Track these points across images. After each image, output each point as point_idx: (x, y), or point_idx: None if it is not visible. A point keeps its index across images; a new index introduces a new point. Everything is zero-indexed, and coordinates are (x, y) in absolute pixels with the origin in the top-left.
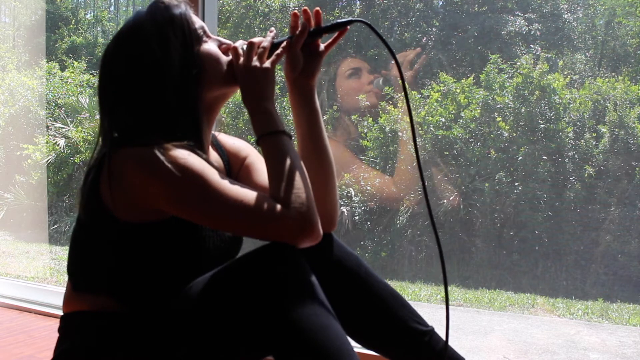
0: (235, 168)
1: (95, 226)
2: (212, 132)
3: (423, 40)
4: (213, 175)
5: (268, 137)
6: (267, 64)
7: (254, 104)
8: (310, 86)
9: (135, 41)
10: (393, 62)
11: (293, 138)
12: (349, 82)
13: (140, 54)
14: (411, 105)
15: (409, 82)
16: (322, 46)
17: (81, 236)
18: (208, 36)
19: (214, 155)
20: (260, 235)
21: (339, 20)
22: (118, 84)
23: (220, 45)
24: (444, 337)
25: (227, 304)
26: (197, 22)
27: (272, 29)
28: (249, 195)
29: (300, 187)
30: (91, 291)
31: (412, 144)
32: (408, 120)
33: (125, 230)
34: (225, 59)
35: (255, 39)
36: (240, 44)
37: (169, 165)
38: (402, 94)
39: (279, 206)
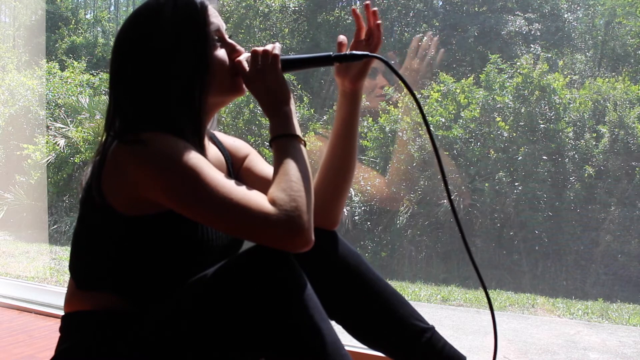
0: (236, 166)
1: (96, 221)
2: (211, 130)
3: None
4: (209, 171)
5: (279, 139)
6: (271, 66)
7: (269, 108)
8: (355, 89)
9: (151, 22)
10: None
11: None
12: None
13: (151, 36)
14: (411, 106)
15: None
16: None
17: (82, 233)
18: (223, 39)
19: (215, 152)
20: (248, 236)
21: (354, 52)
22: (125, 64)
23: (233, 51)
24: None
25: (220, 305)
26: (215, 22)
27: (277, 43)
28: (241, 194)
29: (299, 190)
30: (94, 288)
31: (412, 143)
32: (408, 120)
33: (125, 223)
34: (231, 68)
35: (259, 48)
36: (245, 57)
37: (166, 159)
38: (402, 94)
39: (270, 208)
